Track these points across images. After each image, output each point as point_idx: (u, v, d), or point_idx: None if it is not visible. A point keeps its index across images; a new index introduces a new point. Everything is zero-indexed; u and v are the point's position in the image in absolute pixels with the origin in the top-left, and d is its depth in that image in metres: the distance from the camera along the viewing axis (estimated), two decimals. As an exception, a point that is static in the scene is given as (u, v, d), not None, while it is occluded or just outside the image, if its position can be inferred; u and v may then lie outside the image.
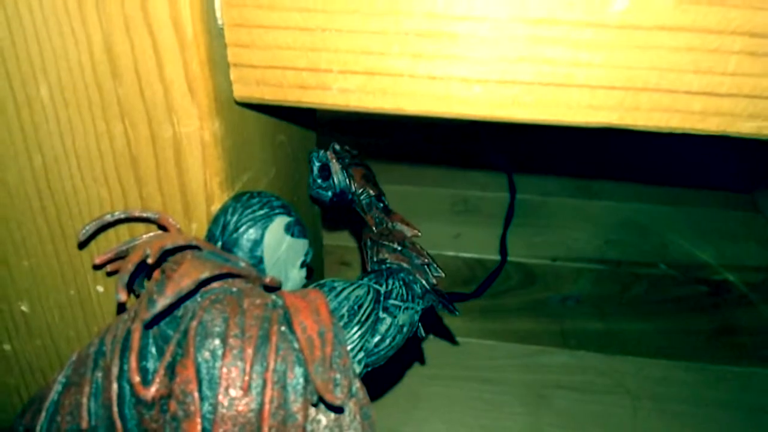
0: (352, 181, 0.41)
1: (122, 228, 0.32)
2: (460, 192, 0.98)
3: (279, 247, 0.31)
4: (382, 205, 0.41)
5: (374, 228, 0.39)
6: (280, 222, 0.31)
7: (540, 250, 0.87)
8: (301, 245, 0.33)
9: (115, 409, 0.27)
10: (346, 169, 0.42)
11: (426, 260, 0.36)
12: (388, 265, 0.35)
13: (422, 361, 0.74)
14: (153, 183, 0.30)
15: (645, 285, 0.83)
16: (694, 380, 0.73)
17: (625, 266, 0.85)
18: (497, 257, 0.86)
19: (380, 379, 0.72)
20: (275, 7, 0.26)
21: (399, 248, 0.36)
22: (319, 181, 0.42)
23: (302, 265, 0.33)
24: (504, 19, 0.25)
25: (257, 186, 0.34)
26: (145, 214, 0.31)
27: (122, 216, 0.31)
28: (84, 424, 0.28)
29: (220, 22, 0.27)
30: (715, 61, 0.24)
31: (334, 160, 0.42)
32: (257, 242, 0.30)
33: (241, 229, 0.30)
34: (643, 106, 0.26)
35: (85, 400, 0.28)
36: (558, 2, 0.24)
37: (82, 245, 0.32)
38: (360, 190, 0.41)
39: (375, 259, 0.36)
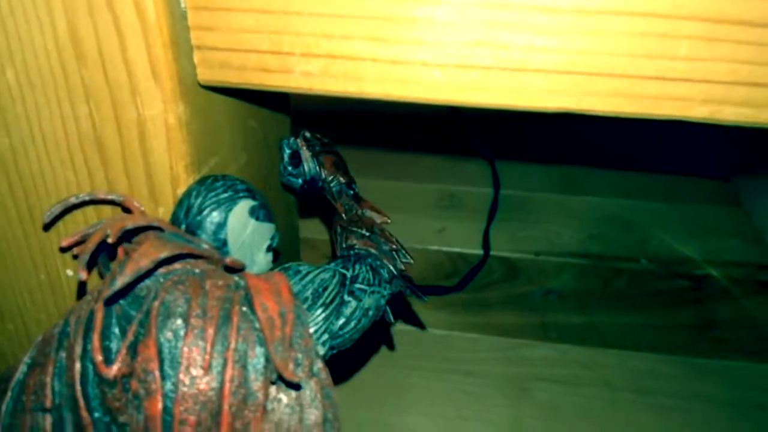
0: (322, 169, 0.42)
1: (89, 210, 0.32)
2: (447, 187, 0.99)
3: (243, 230, 0.31)
4: (352, 192, 0.41)
5: (344, 215, 0.39)
6: (244, 205, 0.31)
7: (523, 245, 0.88)
8: (267, 229, 0.33)
9: (78, 387, 0.28)
10: (316, 157, 0.42)
11: (394, 246, 0.36)
12: (356, 251, 0.35)
13: (404, 354, 0.74)
14: (119, 166, 0.30)
15: (627, 279, 0.83)
16: (676, 373, 0.74)
17: (607, 260, 0.86)
18: (481, 251, 0.87)
19: (363, 371, 0.72)
20: (237, -10, 0.27)
21: (367, 234, 0.36)
22: (290, 168, 0.43)
23: (268, 249, 0.33)
24: (462, 3, 0.26)
25: (226, 171, 0.34)
26: (110, 197, 0.31)
27: (87, 198, 0.31)
28: (48, 403, 0.28)
29: (183, 5, 0.27)
30: (667, 46, 0.25)
31: (304, 148, 0.42)
32: (221, 225, 0.30)
33: (205, 212, 0.30)
34: (600, 91, 0.26)
35: (48, 380, 0.29)
36: (513, -13, 0.25)
37: (47, 227, 0.33)
38: (330, 178, 0.41)
39: (344, 245, 0.36)
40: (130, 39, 0.27)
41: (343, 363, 0.72)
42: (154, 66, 0.27)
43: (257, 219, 0.32)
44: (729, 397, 0.71)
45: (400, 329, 0.78)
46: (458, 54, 0.27)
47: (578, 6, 0.25)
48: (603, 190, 0.96)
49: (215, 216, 0.30)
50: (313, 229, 0.89)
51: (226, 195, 0.31)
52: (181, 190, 0.30)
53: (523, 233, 0.90)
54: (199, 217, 0.30)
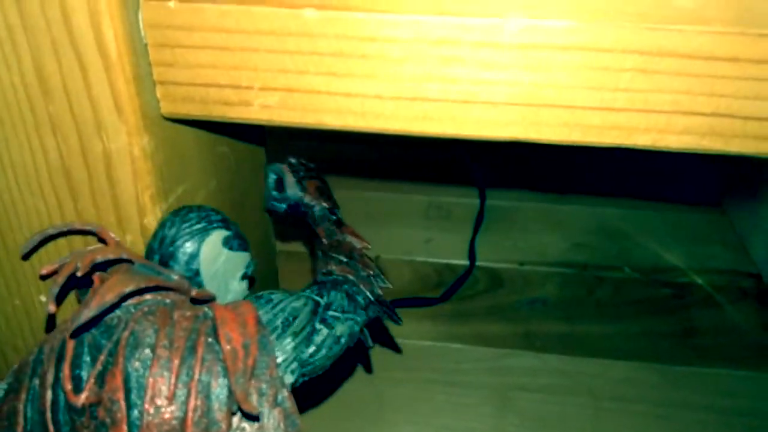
0: (305, 194, 0.42)
1: (61, 240, 0.33)
2: (434, 198, 1.00)
3: (216, 260, 0.32)
4: (334, 218, 0.42)
5: (324, 240, 0.40)
6: (217, 236, 0.32)
7: (508, 255, 0.89)
8: (242, 258, 0.34)
9: (48, 415, 0.29)
10: (300, 182, 0.43)
11: (372, 272, 0.37)
12: (333, 277, 0.36)
13: (389, 365, 0.75)
14: (87, 196, 0.31)
15: (610, 288, 0.84)
16: (657, 381, 0.75)
17: (591, 269, 0.86)
18: (467, 262, 0.88)
19: (347, 383, 0.73)
20: (196, 27, 0.28)
21: (345, 260, 0.37)
22: (274, 193, 0.43)
23: (243, 278, 0.34)
24: (412, 40, 0.27)
25: (194, 198, 0.35)
26: (85, 227, 0.32)
27: (64, 229, 0.32)
28: (19, 429, 0.29)
29: (144, 41, 0.28)
30: (609, 78, 0.26)
31: (289, 174, 0.43)
32: (193, 256, 0.31)
33: (178, 243, 0.31)
34: (545, 121, 0.27)
35: (21, 407, 0.29)
36: (458, 25, 0.26)
37: (26, 257, 0.34)
38: (313, 203, 0.42)
39: (323, 271, 0.37)
40: (93, 75, 0.28)
41: (326, 376, 0.73)
42: (117, 101, 0.28)
43: (231, 249, 0.33)
44: (711, 405, 0.72)
45: (385, 340, 0.78)
46: (410, 87, 0.28)
47: (522, 42, 0.26)
48: (589, 200, 0.97)
49: (188, 247, 0.31)
50: (299, 245, 0.90)
51: (199, 226, 0.32)
52: (148, 219, 0.31)
53: (509, 243, 0.91)
54: (171, 248, 0.31)
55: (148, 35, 0.28)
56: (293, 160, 0.44)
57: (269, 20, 0.27)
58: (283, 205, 0.43)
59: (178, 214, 0.32)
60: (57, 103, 0.29)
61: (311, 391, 0.67)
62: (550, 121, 0.27)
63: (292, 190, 0.43)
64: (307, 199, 0.42)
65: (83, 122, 0.29)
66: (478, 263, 0.88)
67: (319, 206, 0.42)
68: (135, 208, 0.31)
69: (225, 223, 0.33)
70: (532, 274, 0.86)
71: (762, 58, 0.25)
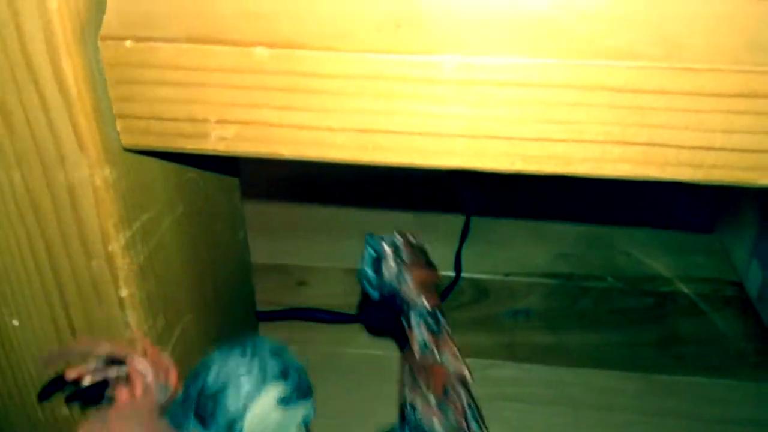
0: (405, 286, 0.36)
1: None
2: (421, 211, 1.00)
3: (266, 419, 0.28)
4: (434, 322, 0.35)
5: (417, 354, 0.34)
6: (271, 394, 0.28)
7: (494, 266, 0.90)
8: (300, 410, 0.29)
9: None
10: (402, 270, 0.36)
11: (463, 423, 0.32)
12: (415, 423, 0.31)
13: (373, 378, 0.76)
14: (54, 226, 0.32)
15: (593, 297, 0.85)
16: (638, 390, 0.75)
17: (575, 279, 0.87)
18: (452, 273, 0.89)
19: (331, 396, 0.73)
20: (152, 65, 0.29)
21: (434, 402, 0.32)
22: (370, 273, 0.38)
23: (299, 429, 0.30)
24: (356, 75, 0.28)
25: (160, 224, 0.36)
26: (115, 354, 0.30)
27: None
28: None
29: (104, 77, 0.30)
30: (545, 111, 0.27)
31: (390, 256, 0.37)
32: (236, 419, 0.27)
33: (220, 398, 0.27)
34: (488, 152, 0.28)
35: None
36: (401, 61, 0.27)
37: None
38: (412, 300, 0.36)
39: (407, 399, 0.32)
40: (54, 111, 0.29)
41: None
42: (78, 134, 0.29)
43: (287, 404, 0.28)
44: (692, 413, 0.72)
45: (368, 354, 0.79)
46: (358, 120, 0.29)
47: (461, 77, 0.27)
48: (575, 212, 0.98)
49: (231, 407, 0.27)
50: (285, 254, 0.91)
51: (249, 381, 0.27)
52: (113, 246, 0.32)
53: (494, 254, 0.92)
54: (212, 403, 0.27)
55: (106, 72, 0.29)
56: (399, 239, 0.38)
57: (222, 58, 0.28)
58: (377, 293, 0.38)
59: (228, 356, 0.27)
60: (20, 137, 0.30)
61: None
62: (492, 152, 0.28)
63: (391, 276, 0.36)
64: (405, 294, 0.36)
65: (46, 155, 0.30)
66: (463, 274, 0.88)
67: (419, 307, 0.35)
68: (99, 236, 0.32)
69: (284, 374, 0.27)
70: (517, 284, 0.87)
71: (690, 91, 0.26)
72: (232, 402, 0.27)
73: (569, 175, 0.28)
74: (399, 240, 0.38)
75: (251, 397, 0.27)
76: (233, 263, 0.48)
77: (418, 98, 0.27)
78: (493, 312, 0.85)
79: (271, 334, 0.81)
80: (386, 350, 0.80)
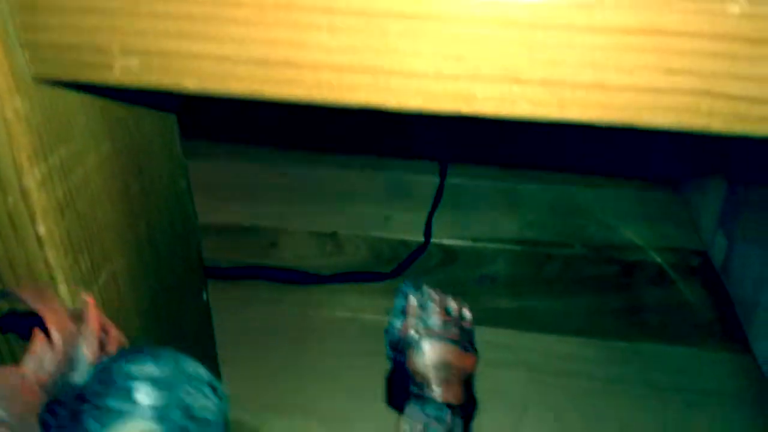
0: (419, 361, 0.29)
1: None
2: (396, 176, 1.00)
3: None
4: (440, 425, 0.28)
5: None
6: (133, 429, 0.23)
7: (464, 232, 0.90)
8: None
9: None
10: (427, 343, 0.30)
11: None
12: None
13: (338, 340, 0.76)
14: (-34, 157, 0.32)
15: (559, 264, 0.85)
16: (599, 357, 0.76)
17: (541, 246, 0.87)
18: (422, 239, 0.89)
19: (297, 357, 0.74)
20: (56, -9, 0.29)
21: None
22: (397, 325, 0.32)
23: None
24: (262, 5, 0.27)
25: (83, 161, 0.36)
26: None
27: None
28: None
29: (8, 3, 0.29)
30: (442, 44, 0.27)
31: (412, 328, 0.30)
32: None
33: (80, 413, 0.24)
34: (391, 88, 0.28)
35: None
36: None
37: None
38: (431, 392, 0.29)
39: None
40: (-41, 39, 0.29)
41: (278, 352, 0.74)
42: (-15, 64, 0.29)
43: None
44: (650, 381, 0.73)
45: (334, 316, 0.80)
46: (262, 51, 0.28)
47: (363, 9, 0.27)
48: (546, 178, 0.97)
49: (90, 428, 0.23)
50: (256, 216, 0.91)
51: (112, 404, 0.23)
52: (26, 180, 0.32)
53: (465, 220, 0.92)
54: (71, 420, 0.24)
55: (9, -1, 0.29)
56: (431, 300, 0.32)
57: (124, -17, 0.28)
58: (392, 354, 0.33)
59: (106, 369, 0.24)
60: (-72, 65, 0.30)
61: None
62: (395, 88, 0.28)
63: (412, 351, 0.30)
64: (420, 380, 0.29)
65: (-45, 85, 0.30)
66: (433, 240, 0.89)
67: (426, 396, 0.29)
68: (12, 169, 0.32)
69: (157, 412, 0.23)
70: (485, 250, 0.87)
71: (589, 26, 0.26)
72: (91, 421, 0.24)
73: (473, 114, 0.28)
74: (430, 304, 0.32)
75: (108, 421, 0.23)
76: (173, 213, 0.48)
77: (322, 29, 0.27)
78: (459, 277, 0.85)
79: (240, 293, 0.81)
80: (354, 312, 0.80)
